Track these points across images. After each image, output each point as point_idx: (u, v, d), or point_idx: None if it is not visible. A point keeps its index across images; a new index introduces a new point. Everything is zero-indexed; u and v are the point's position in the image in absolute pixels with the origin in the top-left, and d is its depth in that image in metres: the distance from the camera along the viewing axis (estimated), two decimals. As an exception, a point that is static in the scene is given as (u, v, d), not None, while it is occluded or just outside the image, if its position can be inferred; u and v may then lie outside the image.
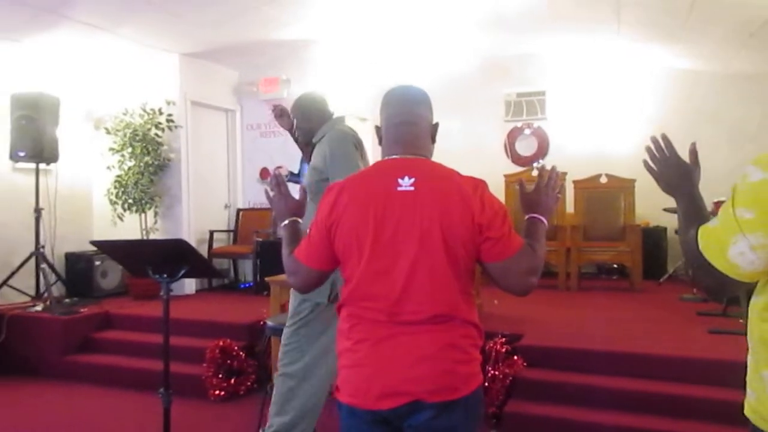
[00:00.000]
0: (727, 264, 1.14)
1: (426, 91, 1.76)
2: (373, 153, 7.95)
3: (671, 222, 6.23)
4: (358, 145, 2.95)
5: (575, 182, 6.12)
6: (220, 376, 4.27)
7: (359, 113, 7.38)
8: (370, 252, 1.56)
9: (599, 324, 4.51)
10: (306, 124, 3.11)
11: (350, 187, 1.64)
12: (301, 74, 6.72)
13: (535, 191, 1.74)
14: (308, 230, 1.72)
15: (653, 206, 6.06)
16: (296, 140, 3.22)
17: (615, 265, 6.58)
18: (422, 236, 1.54)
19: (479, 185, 1.60)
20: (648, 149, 1.54)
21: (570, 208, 6.21)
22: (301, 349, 2.86)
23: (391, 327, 1.55)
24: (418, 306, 1.54)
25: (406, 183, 1.58)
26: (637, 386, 3.45)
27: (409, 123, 1.69)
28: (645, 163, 1.54)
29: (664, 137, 1.54)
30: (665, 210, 5.76)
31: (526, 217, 1.73)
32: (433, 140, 1.75)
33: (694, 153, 1.48)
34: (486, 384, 3.63)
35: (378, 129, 1.76)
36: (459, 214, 1.54)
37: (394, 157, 1.67)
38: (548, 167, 1.81)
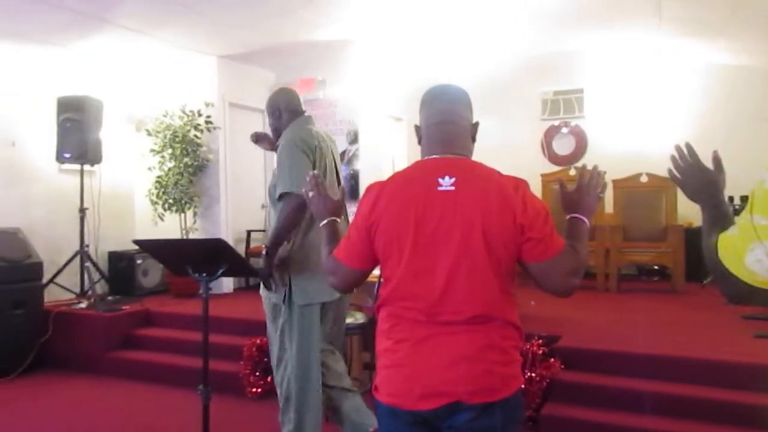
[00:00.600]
0: (745, 271, 1.12)
1: (466, 90, 1.75)
2: (411, 152, 7.97)
3: (715, 222, 6.06)
4: (310, 150, 2.80)
5: (614, 182, 6.00)
6: (257, 373, 4.32)
7: (394, 113, 7.40)
8: (410, 252, 1.55)
9: (639, 326, 4.41)
10: (275, 122, 3.04)
11: (390, 186, 1.64)
12: (336, 75, 6.75)
13: (577, 191, 1.72)
14: (347, 230, 1.72)
15: (696, 206, 5.91)
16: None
17: (656, 267, 6.43)
18: (463, 236, 1.53)
19: (521, 185, 1.58)
20: (672, 158, 1.52)
21: (609, 208, 6.09)
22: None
23: (431, 327, 1.54)
24: (459, 306, 1.53)
25: (446, 183, 1.57)
26: (678, 390, 3.36)
27: (449, 122, 1.67)
28: (669, 171, 1.52)
29: (688, 145, 1.51)
30: (709, 210, 5.60)
31: (568, 217, 1.70)
32: (474, 139, 1.73)
33: (717, 160, 1.45)
34: (523, 386, 3.59)
35: (417, 128, 1.75)
36: (500, 214, 1.53)
37: (434, 156, 1.66)
38: (589, 166, 1.77)
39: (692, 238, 6.07)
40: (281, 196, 2.73)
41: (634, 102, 6.81)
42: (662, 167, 6.40)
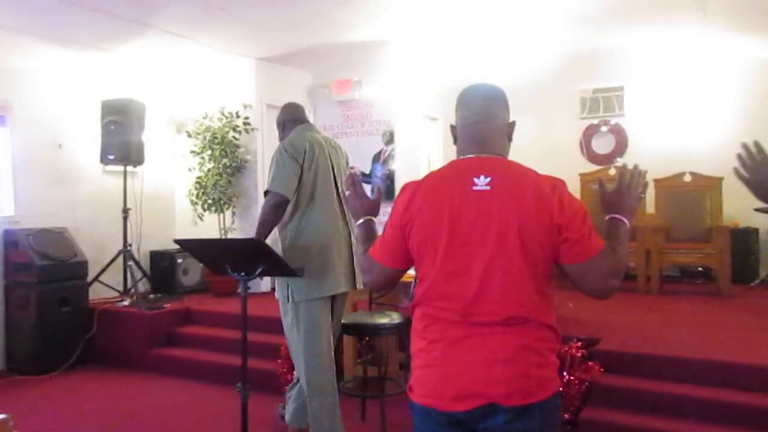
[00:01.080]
0: None
1: (503, 89, 1.73)
2: (447, 152, 7.96)
3: (765, 223, 5.87)
4: (298, 154, 3.05)
5: (656, 181, 5.86)
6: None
7: (430, 113, 7.38)
8: (445, 252, 1.54)
9: (683, 330, 4.29)
10: (281, 134, 3.36)
11: (425, 186, 1.63)
12: (372, 75, 6.78)
13: (616, 191, 1.68)
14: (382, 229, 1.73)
15: (744, 206, 5.71)
16: None
17: (700, 269, 6.25)
18: (498, 236, 1.51)
19: (558, 184, 1.55)
20: (739, 156, 1.46)
21: (650, 208, 5.95)
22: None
23: (465, 328, 1.53)
24: (494, 307, 1.51)
25: (481, 182, 1.55)
26: (724, 396, 3.27)
27: (485, 122, 1.66)
28: (736, 171, 1.46)
29: (756, 143, 1.45)
30: (757, 210, 5.42)
31: (607, 217, 1.67)
32: (510, 139, 1.71)
33: None
34: (561, 389, 3.54)
35: (453, 128, 1.74)
36: (536, 214, 1.50)
37: (469, 156, 1.64)
38: (629, 166, 1.74)
39: (739, 240, 5.91)
40: (264, 194, 3.04)
41: (676, 99, 6.64)
42: (707, 166, 6.23)
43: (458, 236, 1.54)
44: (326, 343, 3.09)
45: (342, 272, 3.10)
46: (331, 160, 3.21)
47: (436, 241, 1.56)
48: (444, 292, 1.56)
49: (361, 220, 1.89)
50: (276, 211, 3.01)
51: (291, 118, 3.35)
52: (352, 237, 3.12)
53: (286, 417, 3.30)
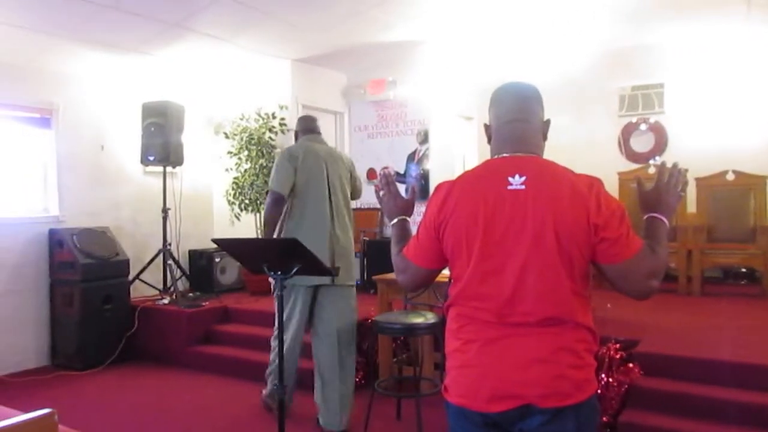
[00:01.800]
0: None
1: (537, 87, 1.71)
2: (482, 151, 7.88)
3: (811, 222, 5.66)
4: (293, 159, 3.64)
5: (698, 180, 5.71)
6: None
7: (464, 112, 7.34)
8: (480, 252, 1.53)
9: (726, 332, 4.18)
10: (294, 142, 3.97)
11: (459, 186, 1.62)
12: (406, 75, 6.77)
13: (655, 189, 1.65)
14: (416, 228, 1.72)
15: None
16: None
17: (743, 269, 6.07)
18: (534, 236, 1.49)
19: (594, 183, 1.53)
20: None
21: (692, 207, 5.81)
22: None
23: (501, 328, 1.52)
24: (530, 307, 1.50)
25: (516, 181, 1.53)
26: (766, 400, 3.17)
27: (520, 120, 1.64)
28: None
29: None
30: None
31: (645, 216, 1.64)
32: (545, 137, 1.69)
33: None
34: (599, 391, 3.48)
35: (487, 127, 1.72)
36: (573, 213, 1.49)
37: (503, 155, 1.63)
38: (668, 164, 1.70)
39: (784, 240, 5.71)
40: (265, 194, 3.84)
41: (718, 96, 6.46)
42: (751, 164, 6.08)
43: (493, 236, 1.52)
44: (294, 329, 3.70)
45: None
46: (327, 168, 3.71)
47: (470, 241, 1.55)
48: (479, 292, 1.55)
49: (395, 220, 1.88)
50: (275, 207, 3.59)
51: (300, 129, 3.91)
52: (338, 238, 3.68)
53: (265, 393, 3.95)
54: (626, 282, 1.53)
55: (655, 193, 1.65)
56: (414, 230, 1.81)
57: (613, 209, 1.51)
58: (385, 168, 6.14)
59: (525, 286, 1.50)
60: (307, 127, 3.88)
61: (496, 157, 1.65)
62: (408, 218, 1.90)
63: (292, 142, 6.44)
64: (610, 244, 1.49)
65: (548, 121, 1.69)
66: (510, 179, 1.54)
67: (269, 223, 3.61)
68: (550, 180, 1.54)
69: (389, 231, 1.93)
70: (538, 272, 1.49)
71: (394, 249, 1.82)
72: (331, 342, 3.69)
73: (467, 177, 1.67)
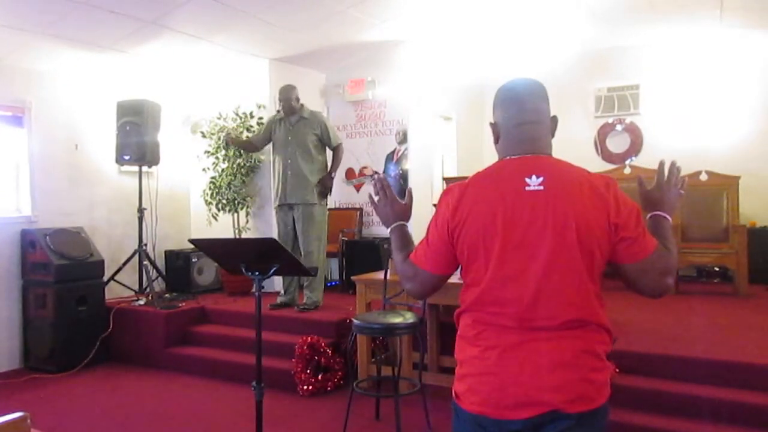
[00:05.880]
0: None
1: (542, 83, 1.66)
2: (461, 152, 7.89)
3: (782, 222, 5.80)
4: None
5: (672, 180, 5.80)
6: (309, 371, 4.37)
7: (444, 112, 7.36)
8: (499, 255, 1.49)
9: (700, 330, 4.25)
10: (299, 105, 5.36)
11: (474, 187, 1.57)
12: (386, 75, 6.77)
13: (657, 187, 1.66)
14: (426, 232, 1.64)
15: (761, 206, 5.67)
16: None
17: (717, 268, 6.19)
18: (555, 237, 1.46)
19: (611, 183, 1.52)
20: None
21: (666, 207, 5.89)
22: None
23: (522, 333, 1.48)
24: (552, 311, 1.46)
25: (534, 182, 1.50)
26: (742, 397, 3.23)
27: (533, 122, 1.60)
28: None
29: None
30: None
31: (649, 215, 1.64)
32: (553, 135, 1.66)
33: None
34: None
35: (494, 126, 1.66)
36: (594, 213, 1.47)
37: (516, 156, 1.58)
38: (673, 160, 1.71)
39: (757, 239, 5.84)
40: (335, 149, 5.41)
41: (692, 97, 6.58)
42: (723, 165, 6.19)
43: (513, 238, 1.48)
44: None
45: None
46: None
47: (488, 245, 1.50)
48: (498, 296, 1.50)
49: (393, 226, 1.79)
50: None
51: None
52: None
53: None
54: (644, 280, 1.52)
55: (657, 191, 1.66)
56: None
57: (631, 208, 1.50)
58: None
59: (547, 288, 1.46)
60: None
61: (508, 157, 1.60)
62: (406, 223, 1.80)
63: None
64: (630, 243, 1.49)
65: (555, 118, 1.65)
66: (527, 180, 1.51)
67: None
68: (568, 180, 1.52)
69: (371, 231, 1.91)
70: (561, 274, 1.46)
71: (398, 256, 1.72)
72: None
73: (481, 178, 1.60)
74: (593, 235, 1.47)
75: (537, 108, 1.61)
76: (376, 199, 1.85)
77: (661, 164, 1.69)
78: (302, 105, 5.32)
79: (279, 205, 5.28)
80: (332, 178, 5.32)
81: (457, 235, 1.55)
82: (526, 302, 1.47)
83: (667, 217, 1.63)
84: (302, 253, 5.14)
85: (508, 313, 1.49)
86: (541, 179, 1.50)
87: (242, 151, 6.22)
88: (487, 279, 1.50)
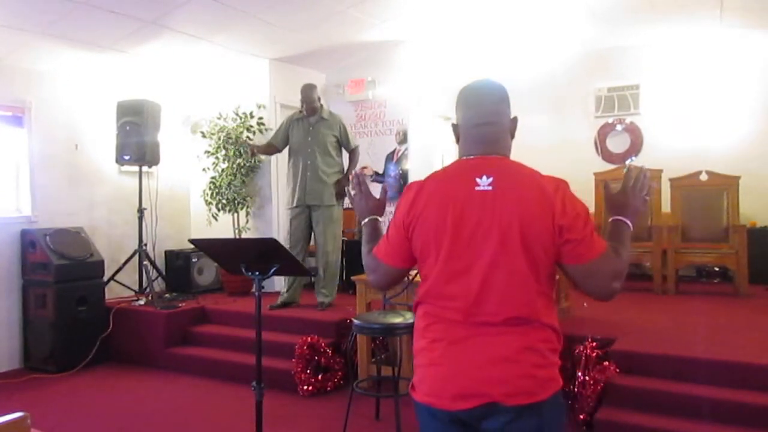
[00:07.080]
0: None
1: (503, 85, 1.71)
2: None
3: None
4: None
5: (672, 180, 5.80)
6: (309, 371, 4.37)
7: (444, 112, 7.36)
8: (448, 251, 1.55)
9: (700, 330, 4.25)
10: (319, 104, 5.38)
11: (428, 186, 1.64)
12: (386, 75, 6.77)
13: (621, 192, 1.67)
14: (386, 228, 1.74)
15: (761, 206, 5.66)
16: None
17: (717, 268, 6.19)
18: (501, 237, 1.51)
19: (560, 185, 1.55)
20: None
21: (666, 207, 5.89)
22: None
23: (467, 327, 1.53)
24: (496, 307, 1.51)
25: (484, 182, 1.55)
26: (741, 397, 3.22)
27: (489, 123, 1.65)
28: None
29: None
30: None
31: (610, 219, 1.66)
32: (513, 136, 1.70)
33: None
34: (576, 390, 3.51)
35: (455, 127, 1.73)
36: (538, 214, 1.50)
37: (471, 156, 1.64)
38: (641, 165, 1.72)
39: (757, 239, 5.83)
40: (352, 151, 5.37)
41: (692, 97, 6.57)
42: (724, 165, 6.19)
43: (461, 236, 1.54)
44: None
45: None
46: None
47: (439, 241, 1.57)
48: (446, 291, 1.56)
49: (366, 220, 1.90)
50: None
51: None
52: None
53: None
54: (589, 283, 1.55)
55: (621, 196, 1.67)
56: (384, 229, 1.82)
57: (578, 211, 1.53)
58: (364, 168, 6.25)
59: (491, 286, 1.51)
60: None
61: (464, 158, 1.67)
62: (379, 218, 1.91)
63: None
64: (575, 245, 1.51)
65: (515, 119, 1.70)
66: (478, 180, 1.56)
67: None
68: (517, 181, 1.56)
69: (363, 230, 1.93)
70: (505, 273, 1.51)
71: (364, 248, 1.83)
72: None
73: (436, 177, 1.68)
74: (537, 235, 1.50)
75: (495, 110, 1.66)
76: (353, 193, 1.94)
77: (630, 169, 1.72)
78: (322, 105, 5.33)
79: (296, 206, 5.23)
80: (349, 180, 5.35)
81: (412, 230, 1.62)
82: (472, 298, 1.52)
83: (627, 222, 1.64)
84: (320, 253, 5.20)
85: (455, 307, 1.55)
86: (491, 180, 1.55)
87: (242, 151, 6.22)
88: (436, 273, 1.57)
